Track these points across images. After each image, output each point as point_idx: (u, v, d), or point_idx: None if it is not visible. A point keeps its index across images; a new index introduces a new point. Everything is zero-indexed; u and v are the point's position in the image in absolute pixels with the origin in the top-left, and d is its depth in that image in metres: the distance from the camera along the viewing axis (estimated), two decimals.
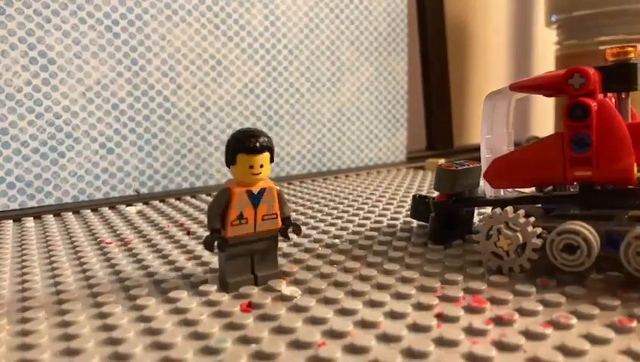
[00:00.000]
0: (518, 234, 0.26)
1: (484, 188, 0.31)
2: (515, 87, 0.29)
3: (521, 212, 0.27)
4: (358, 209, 0.44)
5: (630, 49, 0.26)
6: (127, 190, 0.53)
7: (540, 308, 0.23)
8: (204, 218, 0.43)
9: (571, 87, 0.26)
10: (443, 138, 0.79)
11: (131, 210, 0.47)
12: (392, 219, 0.40)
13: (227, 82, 0.58)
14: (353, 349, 0.20)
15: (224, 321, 0.23)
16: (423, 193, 0.43)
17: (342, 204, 0.47)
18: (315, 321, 0.22)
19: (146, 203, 0.50)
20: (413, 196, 0.37)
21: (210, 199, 0.52)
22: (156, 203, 0.50)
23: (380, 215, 0.41)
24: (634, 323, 0.21)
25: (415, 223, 0.38)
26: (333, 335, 0.21)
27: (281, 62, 0.61)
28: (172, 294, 0.26)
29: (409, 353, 0.20)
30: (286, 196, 0.51)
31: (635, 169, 0.25)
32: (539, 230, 0.26)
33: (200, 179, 0.57)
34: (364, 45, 0.68)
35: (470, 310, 0.23)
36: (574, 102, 0.26)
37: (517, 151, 0.29)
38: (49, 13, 0.48)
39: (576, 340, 0.20)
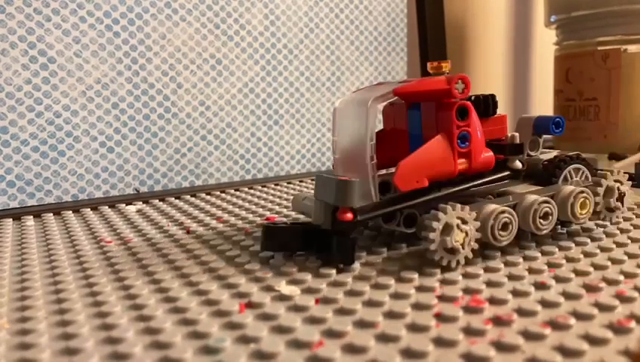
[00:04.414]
0: (471, 226, 0.28)
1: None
2: (399, 93, 0.30)
3: (465, 206, 0.28)
4: None
5: (444, 64, 0.32)
6: (127, 189, 0.53)
7: (539, 308, 0.23)
8: (203, 216, 0.43)
9: (457, 91, 0.30)
10: None
11: (131, 209, 0.47)
12: None
13: (227, 81, 0.58)
14: (352, 349, 0.20)
15: (223, 320, 0.23)
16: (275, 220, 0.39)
17: None
18: (314, 321, 0.23)
19: (145, 201, 0.50)
20: (265, 226, 0.30)
21: (209, 198, 0.52)
22: (156, 201, 0.50)
23: None
24: (632, 324, 0.21)
25: None
26: (332, 334, 0.21)
27: (281, 61, 0.61)
28: (172, 293, 0.26)
29: (407, 353, 0.20)
30: (286, 196, 0.51)
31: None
32: (478, 223, 0.28)
33: (200, 178, 0.57)
34: (363, 45, 0.68)
35: (469, 310, 0.23)
36: (460, 105, 0.30)
37: (420, 153, 0.30)
38: (49, 12, 0.48)
39: (575, 340, 0.20)
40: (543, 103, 0.96)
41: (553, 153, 0.36)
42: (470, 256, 0.28)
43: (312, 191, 0.51)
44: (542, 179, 0.34)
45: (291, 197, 0.50)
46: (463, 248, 0.28)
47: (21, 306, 0.25)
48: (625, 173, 0.33)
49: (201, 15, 0.56)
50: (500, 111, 0.33)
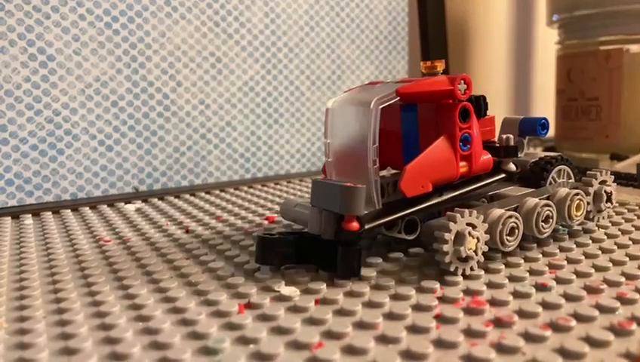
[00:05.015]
0: (482, 232, 0.27)
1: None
2: (403, 93, 0.29)
3: (472, 211, 0.28)
4: None
5: (439, 64, 0.31)
6: (125, 187, 0.53)
7: (540, 309, 0.23)
8: (202, 216, 0.43)
9: (460, 92, 0.29)
10: None
11: (130, 208, 0.47)
12: None
13: (227, 80, 0.58)
14: (351, 350, 0.20)
15: (222, 321, 0.23)
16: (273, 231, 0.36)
17: None
18: (313, 322, 0.22)
19: (144, 200, 0.50)
20: (260, 237, 0.28)
21: (209, 197, 0.51)
22: (155, 200, 0.50)
23: None
24: (633, 326, 0.21)
25: None
26: (332, 335, 0.21)
27: (281, 60, 0.61)
28: (170, 293, 0.26)
29: (408, 354, 0.20)
30: (285, 195, 0.51)
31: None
32: (486, 225, 0.28)
33: (199, 176, 0.57)
34: (364, 43, 0.67)
35: (469, 311, 0.23)
36: (463, 106, 0.29)
37: (425, 156, 0.29)
38: (48, 10, 0.48)
39: (576, 342, 0.20)
40: (544, 103, 0.96)
41: (537, 154, 0.35)
42: (482, 260, 0.27)
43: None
44: (530, 181, 0.34)
45: (291, 197, 0.49)
46: (477, 254, 0.27)
47: (19, 305, 0.25)
48: (627, 173, 0.33)
49: (201, 13, 0.56)
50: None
